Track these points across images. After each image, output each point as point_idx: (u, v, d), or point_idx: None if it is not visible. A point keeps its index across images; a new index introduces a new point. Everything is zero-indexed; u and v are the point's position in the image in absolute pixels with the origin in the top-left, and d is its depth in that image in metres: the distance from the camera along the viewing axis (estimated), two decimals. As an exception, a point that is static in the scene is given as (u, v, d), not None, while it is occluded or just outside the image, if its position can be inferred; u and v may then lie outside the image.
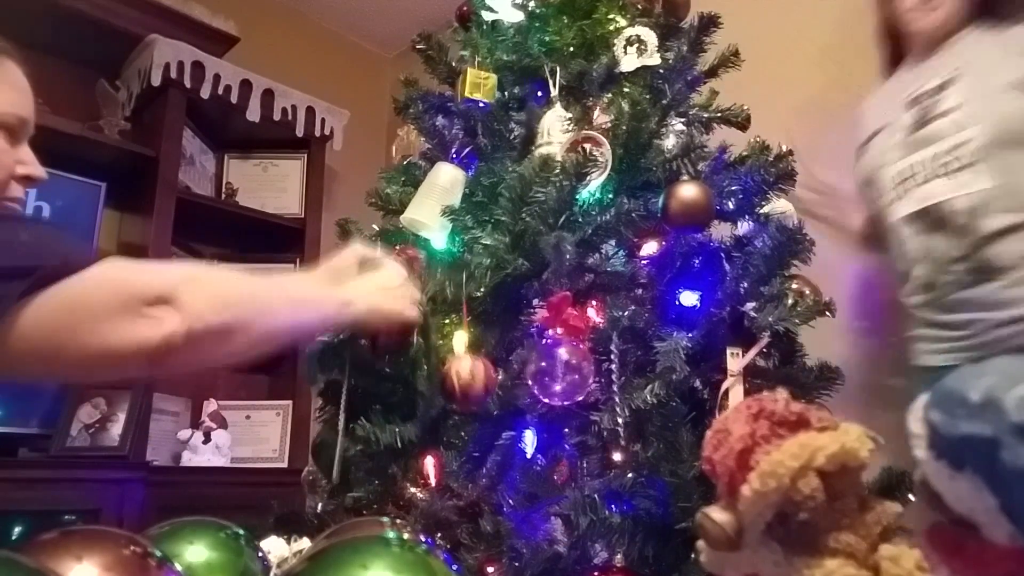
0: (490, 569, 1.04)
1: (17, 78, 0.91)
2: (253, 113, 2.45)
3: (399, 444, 1.17)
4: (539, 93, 1.38)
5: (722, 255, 1.18)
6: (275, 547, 0.81)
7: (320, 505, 1.20)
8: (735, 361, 1.07)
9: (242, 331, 0.85)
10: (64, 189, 2.13)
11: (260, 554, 0.66)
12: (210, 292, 0.83)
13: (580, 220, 1.17)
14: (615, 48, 1.34)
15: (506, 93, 1.40)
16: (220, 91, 2.37)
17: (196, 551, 0.59)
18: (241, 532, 0.65)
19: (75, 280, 0.75)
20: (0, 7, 1.96)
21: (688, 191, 1.11)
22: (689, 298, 1.15)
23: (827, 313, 1.14)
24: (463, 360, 1.07)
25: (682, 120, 1.33)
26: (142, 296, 0.77)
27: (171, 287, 0.79)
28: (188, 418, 2.40)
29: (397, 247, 1.34)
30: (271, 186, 2.69)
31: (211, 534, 0.62)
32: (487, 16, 1.46)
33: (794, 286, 1.18)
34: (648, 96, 1.27)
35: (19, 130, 0.91)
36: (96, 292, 0.76)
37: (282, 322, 0.92)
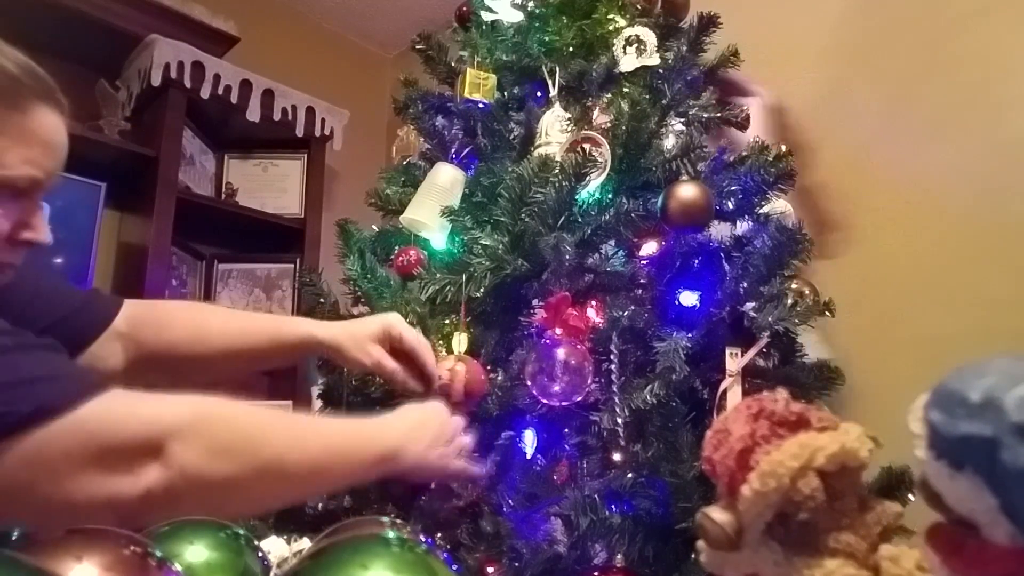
0: (490, 569, 1.04)
1: (44, 128, 0.78)
2: (253, 113, 2.44)
3: (399, 444, 1.17)
4: (538, 93, 1.38)
5: (722, 255, 1.18)
6: (275, 547, 0.81)
7: (320, 505, 1.20)
8: (734, 361, 1.07)
9: (253, 481, 0.73)
10: (64, 189, 2.13)
11: (260, 554, 0.66)
12: (212, 438, 0.72)
13: (579, 220, 1.17)
14: (614, 48, 1.34)
15: (505, 93, 1.40)
16: (220, 91, 2.36)
17: (196, 551, 0.59)
18: (241, 532, 0.65)
19: (54, 427, 0.64)
20: (0, 7, 1.96)
21: (687, 191, 1.11)
22: (689, 298, 1.15)
23: (827, 313, 1.14)
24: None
25: (682, 120, 1.33)
26: (123, 448, 0.66)
27: (163, 435, 0.68)
28: (188, 418, 2.40)
29: (398, 249, 1.34)
30: (271, 186, 2.68)
31: (211, 534, 0.62)
32: (487, 16, 1.46)
33: (794, 286, 1.18)
34: (648, 96, 1.27)
35: (31, 191, 0.78)
36: (67, 441, 0.64)
37: (308, 469, 0.78)
